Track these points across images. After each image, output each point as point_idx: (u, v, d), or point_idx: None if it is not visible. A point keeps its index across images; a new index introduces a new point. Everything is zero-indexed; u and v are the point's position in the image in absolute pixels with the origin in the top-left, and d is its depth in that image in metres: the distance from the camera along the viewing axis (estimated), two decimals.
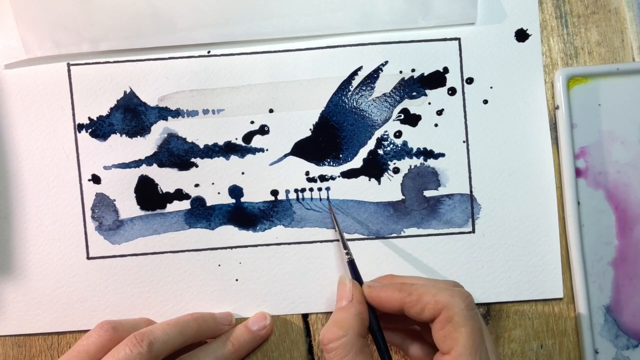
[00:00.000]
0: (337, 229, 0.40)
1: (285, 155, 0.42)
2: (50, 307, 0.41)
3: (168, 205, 0.42)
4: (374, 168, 0.42)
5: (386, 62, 0.42)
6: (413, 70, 0.42)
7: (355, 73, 0.42)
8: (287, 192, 0.42)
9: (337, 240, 0.42)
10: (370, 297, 0.35)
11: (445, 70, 0.42)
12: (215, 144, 0.42)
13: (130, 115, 0.42)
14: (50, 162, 0.42)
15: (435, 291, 0.33)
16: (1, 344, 0.42)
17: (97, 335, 0.37)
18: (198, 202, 0.42)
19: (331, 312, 0.41)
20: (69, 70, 0.42)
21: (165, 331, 0.36)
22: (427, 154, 0.42)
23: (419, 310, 0.33)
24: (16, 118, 0.42)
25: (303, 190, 0.42)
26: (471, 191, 0.42)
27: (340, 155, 0.42)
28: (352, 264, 0.38)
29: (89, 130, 0.42)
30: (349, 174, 0.42)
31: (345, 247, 0.38)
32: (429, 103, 0.42)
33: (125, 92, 0.42)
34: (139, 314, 0.41)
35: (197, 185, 0.42)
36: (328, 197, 0.42)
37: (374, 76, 0.42)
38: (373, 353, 0.36)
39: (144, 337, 0.35)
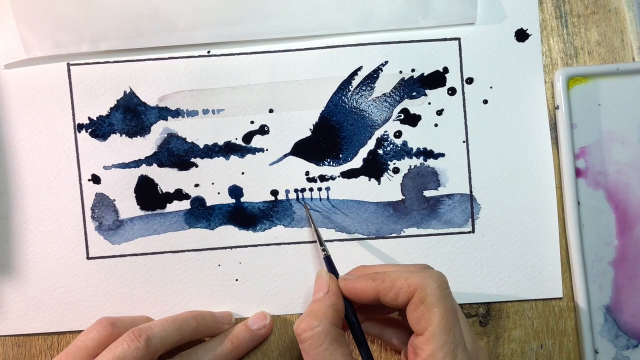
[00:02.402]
0: (312, 226, 0.40)
1: (285, 155, 0.42)
2: (50, 307, 0.41)
3: (168, 205, 0.42)
4: (374, 168, 0.42)
5: (386, 62, 0.42)
6: (413, 70, 0.42)
7: (355, 73, 0.42)
8: (287, 192, 0.42)
9: (336, 240, 0.42)
10: (345, 289, 0.35)
11: (445, 70, 0.42)
12: (215, 144, 0.42)
13: (130, 115, 0.42)
14: (50, 162, 0.42)
15: (408, 275, 0.33)
16: (1, 344, 0.42)
17: (95, 331, 0.37)
18: (198, 202, 0.42)
19: None
20: (69, 70, 0.42)
21: (164, 327, 0.37)
22: (427, 154, 0.42)
23: (393, 295, 0.33)
24: (16, 118, 0.42)
25: (303, 190, 0.42)
26: (471, 191, 0.42)
27: (340, 155, 0.42)
28: (327, 260, 0.38)
29: (89, 130, 0.42)
30: (349, 174, 0.42)
31: (321, 243, 0.39)
32: (429, 103, 0.42)
33: (125, 92, 0.42)
34: (138, 314, 0.41)
35: (197, 185, 0.42)
36: (303, 197, 0.42)
37: (374, 76, 0.42)
38: (351, 344, 0.36)
39: (142, 333, 0.35)
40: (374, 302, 0.34)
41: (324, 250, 0.38)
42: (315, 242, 0.42)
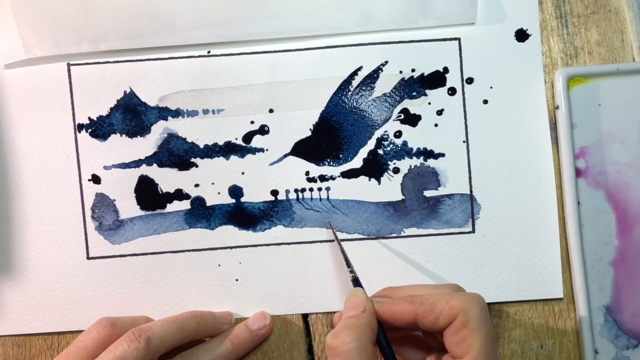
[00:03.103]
0: (340, 248, 0.39)
1: (285, 155, 0.42)
2: (50, 307, 0.41)
3: (168, 205, 0.42)
4: (374, 168, 0.42)
5: (386, 62, 0.42)
6: (413, 70, 0.42)
7: (355, 73, 0.42)
8: (287, 192, 0.42)
9: (334, 241, 0.42)
10: (381, 312, 0.34)
11: (445, 70, 0.42)
12: (215, 144, 0.42)
13: (130, 115, 0.42)
14: (50, 162, 0.42)
15: (448, 298, 0.32)
16: (1, 344, 0.42)
17: (95, 331, 0.37)
18: (198, 202, 0.42)
19: (331, 312, 0.41)
20: (69, 70, 0.42)
21: (164, 328, 0.37)
22: (427, 154, 0.42)
23: (433, 319, 0.32)
24: (16, 118, 0.42)
25: (303, 190, 0.42)
26: (471, 191, 0.42)
27: (340, 155, 0.42)
28: (356, 282, 0.37)
29: (89, 130, 0.42)
30: (349, 174, 0.42)
31: (349, 265, 0.38)
32: (429, 103, 0.42)
33: (125, 92, 0.42)
34: (139, 314, 0.41)
35: (197, 185, 0.42)
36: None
37: (374, 76, 0.42)
38: None
39: (142, 333, 0.35)
40: (410, 326, 0.33)
41: (351, 272, 0.37)
42: (317, 242, 0.42)
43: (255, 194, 0.42)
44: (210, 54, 0.42)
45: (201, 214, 0.42)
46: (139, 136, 0.42)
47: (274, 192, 0.42)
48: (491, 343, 0.31)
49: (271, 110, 0.42)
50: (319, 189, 0.42)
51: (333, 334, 0.32)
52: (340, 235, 0.42)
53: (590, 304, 0.41)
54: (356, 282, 0.37)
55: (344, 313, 0.34)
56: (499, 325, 0.41)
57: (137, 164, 0.42)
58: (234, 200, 0.42)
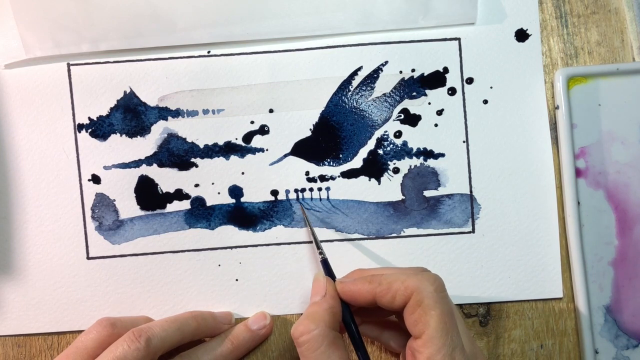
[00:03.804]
0: (310, 229, 0.40)
1: (285, 155, 0.42)
2: (50, 307, 0.41)
3: (168, 205, 0.42)
4: (374, 168, 0.42)
5: (386, 62, 0.42)
6: (413, 70, 0.42)
7: (355, 73, 0.42)
8: (287, 192, 0.42)
9: (336, 241, 0.42)
10: (342, 292, 0.35)
11: (445, 70, 0.42)
12: (215, 144, 0.42)
13: (130, 115, 0.42)
14: (50, 162, 0.42)
15: (404, 277, 0.33)
16: (1, 344, 0.42)
17: (95, 331, 0.37)
18: (198, 202, 0.42)
19: None
20: (69, 70, 0.42)
21: (164, 328, 0.37)
22: (427, 154, 0.42)
23: (390, 298, 0.33)
24: (16, 118, 0.42)
25: (303, 190, 0.42)
26: (471, 191, 0.42)
27: (340, 155, 0.42)
28: (325, 263, 0.38)
29: (89, 130, 0.42)
30: (349, 174, 0.42)
31: (318, 247, 0.39)
32: (429, 103, 0.42)
33: (125, 92, 0.42)
34: (138, 314, 0.41)
35: (197, 185, 0.42)
36: (303, 198, 0.42)
37: (374, 76, 0.42)
38: (348, 347, 0.36)
39: (142, 333, 0.35)
40: (371, 305, 0.34)
41: (320, 253, 0.38)
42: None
43: (255, 194, 0.42)
44: (210, 54, 0.42)
45: (201, 214, 0.42)
46: (139, 136, 0.42)
47: (274, 192, 0.42)
48: (449, 321, 0.32)
49: (271, 110, 0.42)
50: (319, 189, 0.42)
51: (295, 325, 0.33)
52: (340, 235, 0.42)
53: (590, 304, 0.41)
54: (325, 264, 0.38)
55: (310, 299, 0.36)
56: (498, 325, 0.42)
57: (137, 164, 0.42)
58: (234, 200, 0.42)
